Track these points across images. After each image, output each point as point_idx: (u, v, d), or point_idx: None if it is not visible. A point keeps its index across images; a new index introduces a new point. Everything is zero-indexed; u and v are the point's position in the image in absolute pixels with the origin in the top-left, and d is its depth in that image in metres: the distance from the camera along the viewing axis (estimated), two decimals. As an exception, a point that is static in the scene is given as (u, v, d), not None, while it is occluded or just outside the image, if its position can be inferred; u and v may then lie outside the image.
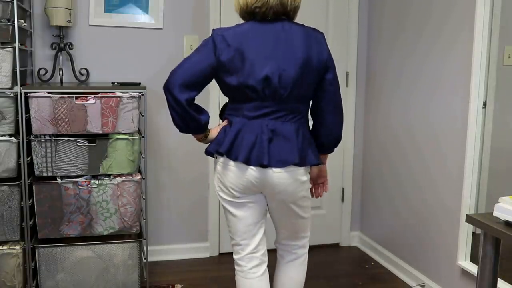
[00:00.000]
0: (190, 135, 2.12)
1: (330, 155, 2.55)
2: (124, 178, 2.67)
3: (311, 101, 2.02)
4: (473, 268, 2.48)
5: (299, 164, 1.90)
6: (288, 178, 1.91)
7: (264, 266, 2.07)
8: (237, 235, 2.03)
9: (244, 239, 2.03)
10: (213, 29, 1.91)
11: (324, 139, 2.03)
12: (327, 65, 1.94)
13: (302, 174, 1.94)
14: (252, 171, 1.89)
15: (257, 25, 1.89)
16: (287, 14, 1.92)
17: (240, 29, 1.88)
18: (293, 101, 1.91)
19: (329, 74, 1.95)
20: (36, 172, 2.58)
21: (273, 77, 1.85)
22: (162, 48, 3.17)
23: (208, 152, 1.98)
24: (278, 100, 1.88)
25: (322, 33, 1.98)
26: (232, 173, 1.92)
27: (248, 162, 1.87)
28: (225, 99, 2.30)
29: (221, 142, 1.91)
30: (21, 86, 2.52)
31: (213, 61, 1.86)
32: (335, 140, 2.04)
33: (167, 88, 1.85)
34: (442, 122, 2.73)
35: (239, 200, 1.98)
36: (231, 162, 1.91)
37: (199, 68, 1.85)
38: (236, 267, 2.08)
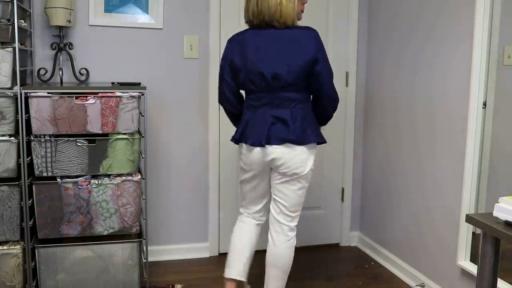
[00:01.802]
0: (190, 135, 3.13)
1: (330, 155, 3.39)
2: (124, 178, 2.67)
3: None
4: (473, 268, 2.48)
5: (296, 142, 2.29)
6: (287, 153, 2.30)
7: (258, 223, 2.57)
8: (245, 200, 2.56)
9: (250, 204, 2.55)
10: (228, 39, 2.43)
11: (317, 118, 2.42)
12: (315, 58, 2.26)
13: (302, 152, 2.30)
14: (257, 150, 2.35)
15: (256, 31, 2.33)
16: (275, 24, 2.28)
17: (245, 34, 2.35)
18: (286, 92, 2.29)
19: (317, 66, 2.27)
20: (36, 172, 2.58)
21: (267, 74, 2.27)
22: (162, 48, 3.17)
23: (232, 139, 2.48)
24: (272, 92, 2.30)
25: (312, 31, 2.30)
26: (245, 152, 2.41)
27: (253, 144, 2.33)
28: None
29: (237, 131, 2.43)
30: (21, 86, 2.52)
31: (229, 72, 2.40)
32: (326, 119, 2.45)
33: (221, 104, 2.54)
34: (442, 122, 2.73)
35: (249, 174, 2.45)
36: (244, 145, 2.40)
37: (234, 86, 2.43)
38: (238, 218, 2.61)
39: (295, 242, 2.47)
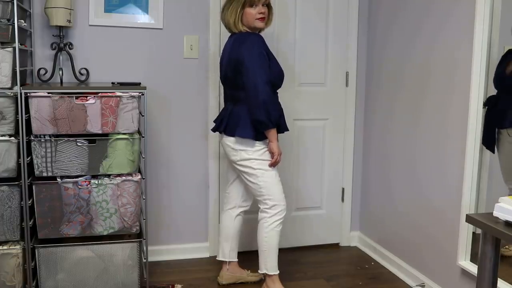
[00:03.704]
0: (190, 135, 3.31)
1: (330, 155, 3.56)
2: (124, 178, 2.67)
3: None
4: (473, 268, 2.48)
5: (226, 134, 2.70)
6: (224, 141, 2.75)
7: (234, 208, 2.92)
8: None
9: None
10: None
11: (251, 118, 2.61)
12: (240, 59, 2.56)
13: (231, 142, 2.69)
14: (219, 135, 2.85)
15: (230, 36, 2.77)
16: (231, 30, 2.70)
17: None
18: (233, 89, 2.69)
19: (241, 66, 2.57)
20: (36, 172, 2.58)
21: (223, 73, 2.74)
22: (162, 48, 3.17)
23: None
24: (227, 88, 2.77)
25: (251, 35, 2.62)
26: None
27: (213, 129, 2.86)
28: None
29: None
30: (21, 86, 2.52)
31: None
32: (256, 121, 2.58)
33: None
34: (442, 122, 2.73)
35: None
36: None
37: None
38: None
39: (266, 223, 2.72)
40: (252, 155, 2.66)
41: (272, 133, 2.62)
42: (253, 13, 2.63)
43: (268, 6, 2.70)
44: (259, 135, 2.63)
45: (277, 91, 2.74)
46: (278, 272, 2.78)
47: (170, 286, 2.93)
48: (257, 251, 2.79)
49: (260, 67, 2.55)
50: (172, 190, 3.31)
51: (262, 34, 2.77)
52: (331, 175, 3.59)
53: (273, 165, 2.68)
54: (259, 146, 2.66)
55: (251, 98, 2.56)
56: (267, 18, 2.70)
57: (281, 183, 2.75)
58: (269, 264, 2.76)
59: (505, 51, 2.39)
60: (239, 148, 2.67)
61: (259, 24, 2.66)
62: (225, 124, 2.72)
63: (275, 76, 2.67)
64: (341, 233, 3.67)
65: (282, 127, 2.72)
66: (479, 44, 2.41)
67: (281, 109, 2.72)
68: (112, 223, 2.68)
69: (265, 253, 2.75)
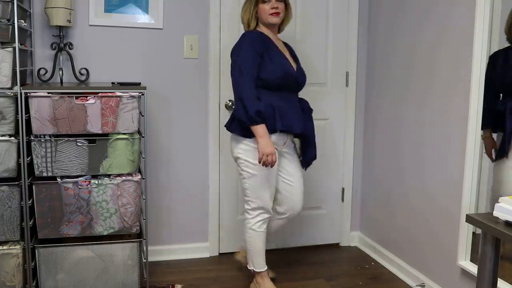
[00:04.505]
0: (190, 135, 3.24)
1: (330, 155, 3.56)
2: (124, 178, 2.67)
3: None
4: (473, 268, 2.48)
5: (228, 129, 2.71)
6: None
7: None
8: None
9: None
10: None
11: None
12: (231, 56, 2.62)
13: (232, 138, 2.69)
14: None
15: None
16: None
17: None
18: None
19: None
20: (36, 172, 2.58)
21: None
22: (162, 48, 3.17)
23: None
24: None
25: (245, 33, 2.64)
26: None
27: None
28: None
29: None
30: (21, 86, 2.52)
31: None
32: (236, 117, 2.59)
33: None
34: (442, 122, 2.73)
35: None
36: None
37: None
38: None
39: (249, 224, 2.72)
40: (241, 155, 2.63)
41: (254, 129, 2.51)
42: (266, 8, 2.61)
43: (286, 2, 2.68)
44: (245, 131, 2.56)
45: (285, 91, 2.66)
46: (266, 268, 2.79)
47: (170, 286, 2.93)
48: (270, 249, 2.84)
49: (240, 64, 2.53)
50: (172, 190, 3.31)
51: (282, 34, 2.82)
52: (331, 175, 3.59)
53: (261, 163, 2.52)
54: (247, 145, 2.59)
55: (234, 95, 2.57)
56: (283, 14, 2.66)
57: (274, 187, 2.70)
58: (255, 262, 2.77)
59: (491, 52, 2.39)
60: (234, 145, 2.68)
61: (273, 19, 2.62)
62: (230, 121, 2.72)
63: (271, 77, 2.56)
64: (341, 233, 3.67)
65: (278, 126, 2.57)
66: (479, 44, 2.41)
67: (273, 107, 2.57)
68: (112, 223, 2.68)
69: (251, 252, 2.76)
